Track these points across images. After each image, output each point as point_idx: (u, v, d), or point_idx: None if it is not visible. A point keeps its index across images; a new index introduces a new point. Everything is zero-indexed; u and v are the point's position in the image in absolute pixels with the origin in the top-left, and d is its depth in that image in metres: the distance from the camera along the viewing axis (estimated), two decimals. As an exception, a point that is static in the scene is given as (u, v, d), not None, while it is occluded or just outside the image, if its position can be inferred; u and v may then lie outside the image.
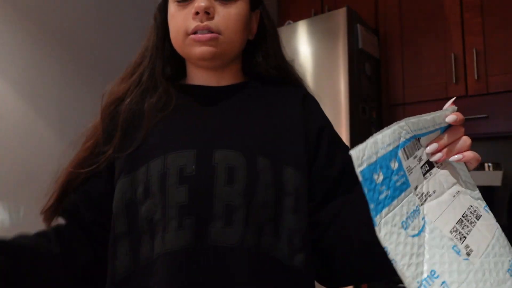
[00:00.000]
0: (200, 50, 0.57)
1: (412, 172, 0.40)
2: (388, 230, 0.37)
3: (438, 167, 0.44)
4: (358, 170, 0.36)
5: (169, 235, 0.50)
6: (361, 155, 0.36)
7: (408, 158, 0.40)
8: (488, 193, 1.54)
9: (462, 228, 0.40)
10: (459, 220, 0.41)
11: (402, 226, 0.38)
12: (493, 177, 1.49)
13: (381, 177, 0.37)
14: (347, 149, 0.63)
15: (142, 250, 0.52)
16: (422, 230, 0.39)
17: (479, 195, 0.45)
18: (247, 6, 0.60)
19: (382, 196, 0.37)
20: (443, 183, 0.43)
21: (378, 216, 0.37)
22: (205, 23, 0.55)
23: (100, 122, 0.60)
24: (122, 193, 0.55)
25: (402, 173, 0.39)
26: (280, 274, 0.52)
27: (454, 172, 0.45)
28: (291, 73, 0.68)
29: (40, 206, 0.61)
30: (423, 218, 0.40)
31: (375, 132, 0.38)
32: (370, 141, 0.37)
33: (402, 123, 0.40)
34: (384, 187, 0.37)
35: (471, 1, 1.58)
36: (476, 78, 1.53)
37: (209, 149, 0.54)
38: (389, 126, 0.39)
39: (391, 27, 1.79)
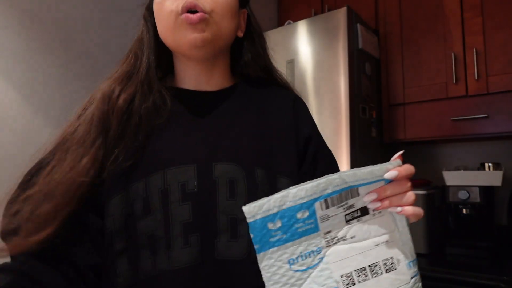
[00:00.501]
0: (193, 36, 0.55)
1: (328, 220, 0.43)
2: (270, 263, 0.42)
3: (374, 215, 0.45)
4: (248, 221, 0.42)
5: (175, 253, 0.50)
6: (255, 211, 0.42)
7: (328, 208, 0.43)
8: (488, 193, 1.54)
9: (358, 276, 0.43)
10: (361, 268, 0.43)
11: (288, 262, 0.42)
12: (493, 177, 1.49)
13: (278, 225, 0.42)
14: (329, 157, 0.66)
15: (142, 265, 0.51)
16: (311, 267, 0.42)
17: (410, 247, 0.45)
18: None
19: (273, 239, 0.42)
20: (372, 231, 0.44)
21: (262, 253, 0.42)
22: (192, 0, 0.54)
23: (116, 125, 0.55)
24: (121, 208, 0.53)
25: (311, 221, 0.42)
26: None
27: (391, 223, 0.45)
28: (278, 76, 0.69)
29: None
30: (321, 258, 0.43)
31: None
32: (278, 195, 0.42)
33: (334, 176, 0.42)
34: (279, 232, 0.42)
35: (471, 1, 1.57)
36: (476, 78, 1.53)
37: (208, 163, 0.54)
38: (316, 180, 0.42)
39: (391, 27, 1.79)
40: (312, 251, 0.43)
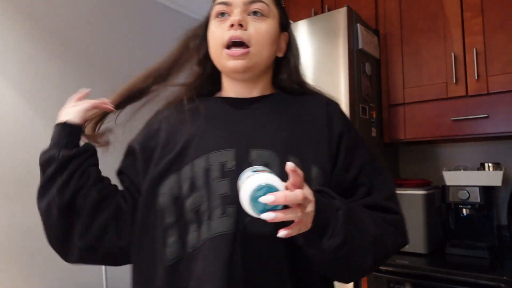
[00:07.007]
0: (233, 63, 0.66)
1: None
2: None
3: None
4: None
5: (214, 222, 0.58)
6: None
7: None
8: (488, 193, 1.54)
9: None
10: None
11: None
12: (493, 177, 1.49)
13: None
14: (365, 151, 0.72)
15: (189, 238, 0.60)
16: None
17: None
18: (276, 25, 0.70)
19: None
20: None
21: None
22: (239, 33, 0.65)
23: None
24: (169, 189, 0.63)
25: None
26: (302, 259, 0.59)
27: None
28: (309, 87, 0.78)
29: None
30: None
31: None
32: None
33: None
34: None
35: (471, 1, 1.57)
36: (476, 78, 1.53)
37: (246, 149, 0.63)
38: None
39: (391, 27, 1.79)
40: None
